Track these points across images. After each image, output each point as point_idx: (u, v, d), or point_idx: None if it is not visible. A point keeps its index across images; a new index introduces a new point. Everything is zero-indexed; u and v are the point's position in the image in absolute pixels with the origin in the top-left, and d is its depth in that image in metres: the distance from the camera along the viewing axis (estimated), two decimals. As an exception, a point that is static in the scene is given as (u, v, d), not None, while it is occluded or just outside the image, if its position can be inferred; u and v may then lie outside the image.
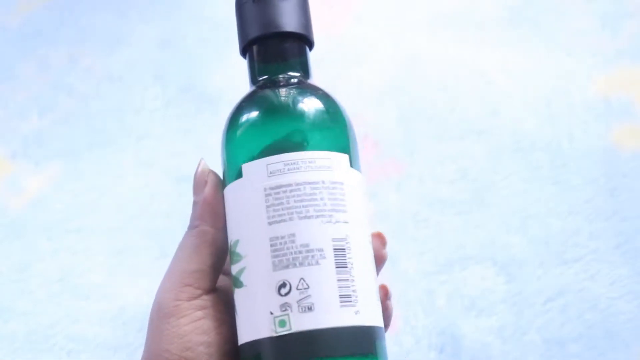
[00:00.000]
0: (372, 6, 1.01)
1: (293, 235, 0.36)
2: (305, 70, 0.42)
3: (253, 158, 0.38)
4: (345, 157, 0.38)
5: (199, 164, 0.41)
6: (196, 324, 0.37)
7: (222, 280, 0.42)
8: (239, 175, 0.38)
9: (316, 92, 0.40)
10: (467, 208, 0.80)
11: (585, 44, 0.91)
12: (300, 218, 0.36)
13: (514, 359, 0.70)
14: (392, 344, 0.72)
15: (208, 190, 0.39)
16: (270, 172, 0.37)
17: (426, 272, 0.76)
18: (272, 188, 0.37)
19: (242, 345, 0.37)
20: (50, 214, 0.88)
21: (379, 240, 0.42)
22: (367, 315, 0.36)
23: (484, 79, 0.90)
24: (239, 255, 0.37)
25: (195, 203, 0.40)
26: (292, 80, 0.41)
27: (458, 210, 0.80)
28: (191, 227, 0.40)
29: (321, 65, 0.95)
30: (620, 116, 0.84)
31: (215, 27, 1.02)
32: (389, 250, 0.77)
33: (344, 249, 0.36)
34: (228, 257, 0.40)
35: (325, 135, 0.38)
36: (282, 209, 0.36)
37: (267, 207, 0.36)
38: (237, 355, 0.38)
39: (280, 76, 0.41)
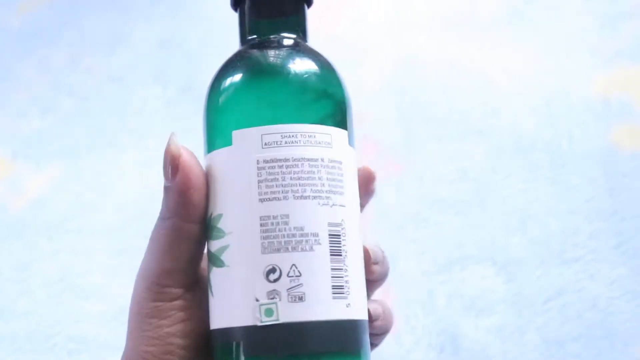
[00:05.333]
0: (372, 6, 1.01)
1: (287, 216, 0.33)
2: (304, 31, 0.38)
3: (245, 125, 0.34)
4: (345, 133, 0.35)
5: (169, 141, 0.35)
6: (178, 327, 0.34)
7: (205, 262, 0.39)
8: (227, 142, 0.34)
9: (317, 59, 0.36)
10: (467, 208, 0.80)
11: (584, 44, 0.91)
12: (296, 198, 0.33)
13: (513, 359, 0.70)
14: (392, 344, 0.72)
15: (181, 176, 0.34)
16: (265, 144, 0.33)
17: (426, 272, 0.76)
18: (266, 161, 0.33)
19: (216, 330, 0.34)
20: (51, 214, 0.88)
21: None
22: (358, 308, 0.34)
23: (484, 79, 0.90)
24: (221, 231, 0.34)
25: (166, 189, 0.35)
26: (289, 41, 0.37)
27: (458, 210, 0.80)
28: (163, 218, 0.35)
29: (321, 65, 0.94)
30: (619, 116, 0.84)
31: (215, 27, 1.02)
32: (389, 249, 0.77)
33: (339, 235, 0.34)
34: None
35: (326, 108, 0.35)
36: (277, 186, 0.33)
37: (259, 181, 0.33)
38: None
39: (274, 35, 0.37)
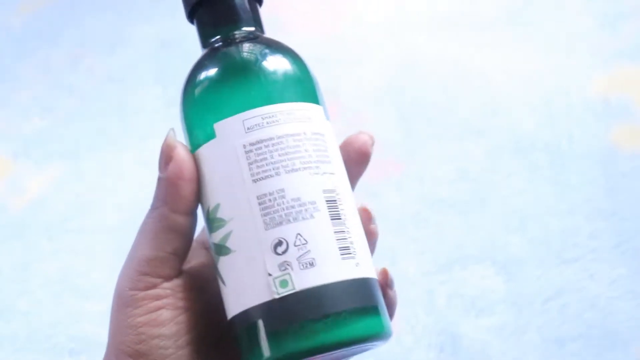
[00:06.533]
0: (372, 6, 1.01)
1: (282, 190, 0.34)
2: (260, 25, 0.39)
3: (225, 116, 0.35)
4: (320, 108, 0.37)
5: (167, 134, 0.36)
6: (152, 315, 0.34)
7: (196, 258, 0.39)
8: (210, 136, 0.36)
9: (280, 45, 0.38)
10: (467, 208, 0.80)
11: (584, 44, 0.91)
12: (287, 172, 0.34)
13: (513, 359, 0.70)
14: (392, 343, 0.72)
15: (172, 167, 0.35)
16: (248, 128, 0.35)
17: (426, 272, 0.76)
18: (252, 144, 0.34)
19: (235, 317, 0.34)
20: (51, 214, 0.88)
21: (365, 215, 0.39)
22: (366, 267, 0.35)
23: (483, 78, 0.90)
24: (221, 220, 0.35)
25: (159, 180, 0.36)
26: (251, 34, 0.38)
27: (458, 210, 0.80)
28: (151, 208, 0.37)
29: (321, 65, 0.95)
30: (619, 116, 0.84)
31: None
32: (389, 249, 0.77)
33: (335, 201, 0.35)
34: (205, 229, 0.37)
35: (299, 87, 0.37)
36: (267, 164, 0.34)
37: (250, 164, 0.34)
38: (200, 342, 0.36)
39: (237, 32, 0.38)
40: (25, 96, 1.01)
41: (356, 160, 0.40)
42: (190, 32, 1.16)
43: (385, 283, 0.37)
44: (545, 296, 0.73)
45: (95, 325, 0.79)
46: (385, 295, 0.37)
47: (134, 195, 0.88)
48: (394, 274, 0.37)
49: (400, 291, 0.75)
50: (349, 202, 0.36)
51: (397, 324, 0.74)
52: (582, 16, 0.93)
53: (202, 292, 0.37)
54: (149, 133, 0.93)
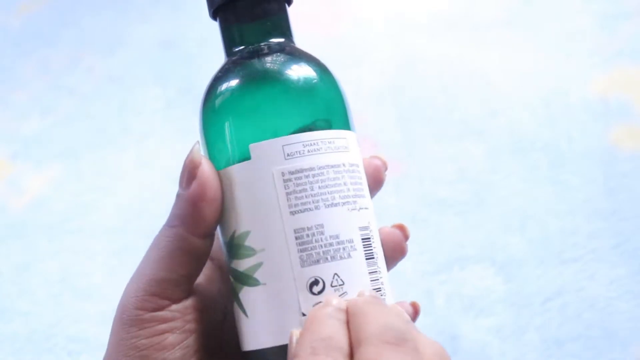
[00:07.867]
0: (372, 7, 1.01)
1: (321, 225, 0.32)
2: (290, 33, 0.37)
3: (263, 137, 0.33)
4: (354, 135, 0.35)
5: (192, 148, 0.33)
6: (156, 339, 0.33)
7: (202, 276, 0.36)
8: (244, 156, 0.33)
9: (317, 62, 0.35)
10: (466, 208, 0.80)
11: (584, 45, 0.91)
12: (327, 206, 0.32)
13: (513, 359, 0.70)
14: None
15: (196, 185, 0.33)
16: (288, 154, 0.32)
17: (425, 272, 0.76)
18: (291, 172, 0.32)
19: (255, 351, 0.33)
20: (51, 215, 0.88)
21: (402, 232, 0.37)
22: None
23: (483, 79, 0.90)
24: (250, 249, 0.33)
25: (178, 196, 0.34)
26: (282, 46, 0.35)
27: (457, 210, 0.80)
28: (168, 224, 0.34)
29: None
30: (618, 116, 0.84)
31: (215, 27, 1.02)
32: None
33: (369, 238, 0.33)
34: (222, 249, 0.35)
35: (338, 113, 0.35)
36: (306, 197, 0.32)
37: (288, 194, 0.32)
38: None
39: (263, 43, 0.35)
40: (25, 96, 1.01)
41: (369, 187, 0.37)
42: (190, 33, 1.16)
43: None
44: (545, 296, 0.73)
45: (94, 325, 0.79)
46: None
47: (133, 196, 0.88)
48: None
49: (399, 291, 0.75)
50: (378, 238, 0.35)
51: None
52: (582, 16, 0.93)
53: (208, 311, 0.35)
54: (148, 133, 0.93)
